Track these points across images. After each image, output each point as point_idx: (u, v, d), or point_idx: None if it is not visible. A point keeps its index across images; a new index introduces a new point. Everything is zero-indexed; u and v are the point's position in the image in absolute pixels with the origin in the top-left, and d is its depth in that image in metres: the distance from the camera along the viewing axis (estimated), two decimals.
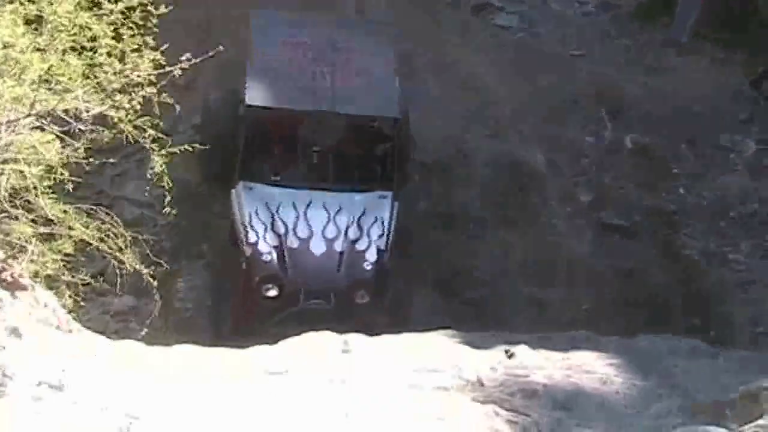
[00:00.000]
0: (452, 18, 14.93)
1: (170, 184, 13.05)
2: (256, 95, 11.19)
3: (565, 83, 14.52)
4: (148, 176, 10.10)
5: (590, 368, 8.30)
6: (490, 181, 13.54)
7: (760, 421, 6.71)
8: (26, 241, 8.76)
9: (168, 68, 8.12)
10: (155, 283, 9.99)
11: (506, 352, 8.55)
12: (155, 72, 8.33)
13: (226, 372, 7.56)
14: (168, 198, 12.21)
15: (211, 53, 8.42)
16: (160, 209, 12.85)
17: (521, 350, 8.52)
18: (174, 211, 12.95)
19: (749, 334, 11.75)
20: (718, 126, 14.23)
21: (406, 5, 14.99)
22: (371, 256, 10.92)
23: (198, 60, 8.14)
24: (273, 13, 12.47)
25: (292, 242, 10.86)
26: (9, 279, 7.73)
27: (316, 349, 8.54)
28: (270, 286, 10.72)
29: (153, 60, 8.46)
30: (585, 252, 13.20)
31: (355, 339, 8.75)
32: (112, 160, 11.98)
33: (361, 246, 10.93)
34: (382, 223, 11.04)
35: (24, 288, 7.76)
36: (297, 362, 7.98)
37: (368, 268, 10.87)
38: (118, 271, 10.10)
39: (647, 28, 15.17)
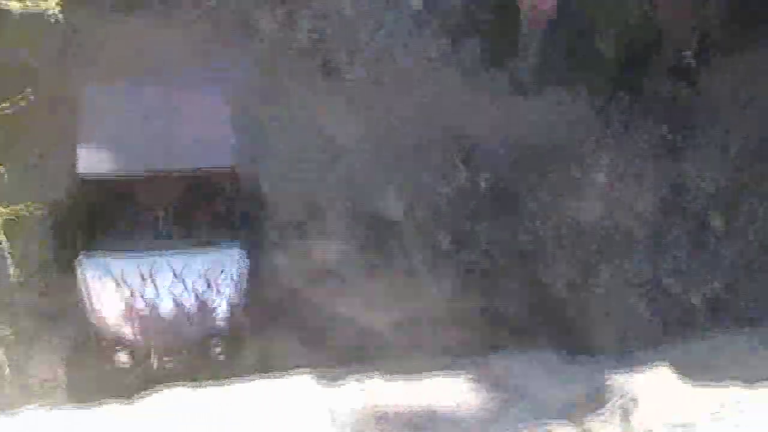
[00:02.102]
0: (301, 79, 14.91)
1: None
2: (87, 165, 11.02)
3: (417, 131, 14.59)
4: None
5: (444, 391, 8.21)
6: (346, 233, 13.46)
7: (602, 411, 6.70)
8: None
9: None
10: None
11: (359, 387, 8.43)
12: None
13: None
14: None
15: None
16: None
17: (374, 382, 8.41)
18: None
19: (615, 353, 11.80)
20: (567, 158, 14.42)
21: (253, 71, 15.00)
22: (221, 307, 10.76)
23: None
24: (103, 86, 12.40)
25: (139, 304, 10.65)
26: None
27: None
28: (120, 352, 10.46)
29: None
30: (448, 294, 13.18)
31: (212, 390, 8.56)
32: None
33: (210, 299, 10.76)
34: (230, 274, 10.90)
35: None
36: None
37: (219, 319, 10.70)
38: None
39: (491, 74, 15.35)
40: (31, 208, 10.15)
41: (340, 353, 11.51)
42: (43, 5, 7.69)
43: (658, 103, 14.62)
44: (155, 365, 10.35)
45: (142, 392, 8.74)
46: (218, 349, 10.59)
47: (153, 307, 10.58)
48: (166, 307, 10.65)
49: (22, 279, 12.25)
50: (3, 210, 8.48)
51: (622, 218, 14.12)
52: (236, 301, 10.77)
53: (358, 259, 13.25)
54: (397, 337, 12.13)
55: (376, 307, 12.74)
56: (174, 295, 10.66)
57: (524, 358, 9.15)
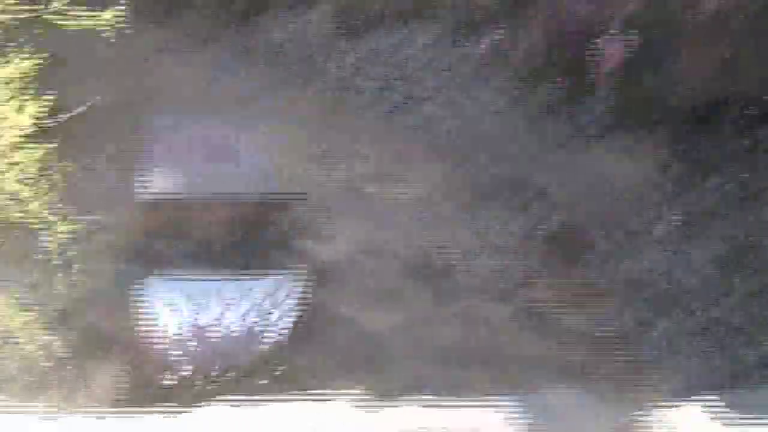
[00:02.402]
0: (365, 123, 15.22)
1: None
2: (144, 189, 11.37)
3: (481, 178, 14.79)
4: None
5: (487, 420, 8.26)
6: (403, 272, 13.68)
7: None
8: None
9: None
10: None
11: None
12: None
13: None
14: None
15: None
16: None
17: (413, 410, 8.41)
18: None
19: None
20: (629, 210, 14.49)
21: (315, 113, 15.30)
22: (272, 334, 11.06)
23: None
24: (164, 119, 12.87)
25: (194, 328, 10.94)
26: None
27: None
28: (180, 366, 10.82)
29: None
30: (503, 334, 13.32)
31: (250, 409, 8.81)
32: None
33: (267, 322, 11.08)
34: (282, 304, 11.22)
35: None
36: None
37: (274, 341, 10.97)
38: None
39: (559, 121, 15.51)
40: (93, 227, 10.53)
41: (387, 384, 11.67)
42: (101, 20, 8.10)
43: (725, 156, 14.59)
44: (206, 384, 10.63)
45: (189, 407, 9.04)
46: (273, 370, 10.81)
47: (207, 329, 10.92)
48: (219, 330, 10.96)
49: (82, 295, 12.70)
50: (64, 228, 8.86)
51: (682, 271, 14.10)
52: (290, 326, 11.01)
53: (414, 298, 13.39)
54: (443, 373, 12.24)
55: (424, 345, 12.89)
56: (227, 319, 10.99)
57: (570, 393, 9.23)
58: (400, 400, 9.63)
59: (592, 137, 15.14)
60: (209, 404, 8.98)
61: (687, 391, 11.77)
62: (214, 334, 11.17)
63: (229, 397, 9.37)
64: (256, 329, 11.28)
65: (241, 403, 8.89)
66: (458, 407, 8.97)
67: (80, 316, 12.59)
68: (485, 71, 15.45)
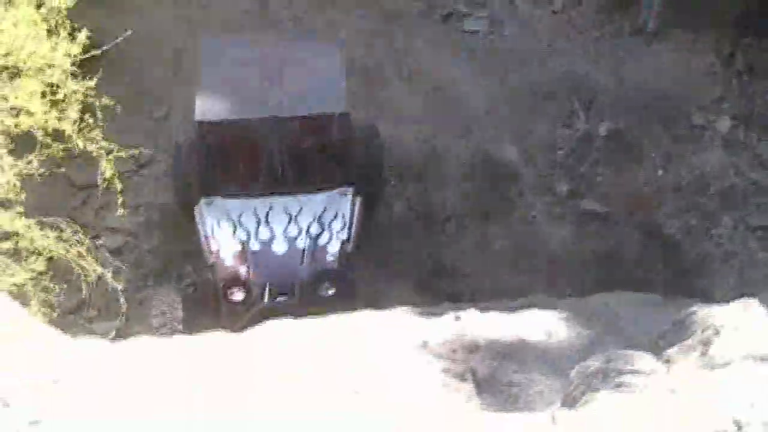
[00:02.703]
0: (421, 28, 15.12)
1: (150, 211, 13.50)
2: (204, 111, 11.41)
3: (536, 79, 14.66)
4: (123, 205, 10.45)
5: (536, 323, 8.40)
6: (465, 179, 13.66)
7: (684, 343, 6.79)
8: None
9: None
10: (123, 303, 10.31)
11: (455, 317, 8.68)
12: None
13: None
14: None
15: None
16: (142, 236, 13.29)
17: (469, 314, 8.64)
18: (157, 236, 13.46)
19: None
20: (690, 106, 14.28)
21: (375, 18, 15.29)
22: (333, 248, 11.11)
23: None
24: (221, 39, 12.86)
25: (254, 246, 11.09)
26: None
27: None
28: (235, 289, 10.91)
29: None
30: (565, 240, 13.26)
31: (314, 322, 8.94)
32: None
33: (322, 240, 11.12)
34: (343, 216, 11.25)
35: None
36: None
37: (331, 260, 11.03)
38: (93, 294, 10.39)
39: (614, 20, 15.28)
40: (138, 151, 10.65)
41: (449, 294, 11.73)
42: None
43: None
44: (267, 302, 10.71)
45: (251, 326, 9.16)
46: (329, 289, 10.84)
47: (268, 246, 10.96)
48: (280, 246, 11.00)
49: (141, 220, 12.92)
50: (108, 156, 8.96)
51: (746, 167, 13.89)
52: (349, 241, 11.03)
53: (475, 204, 13.39)
54: (506, 278, 12.27)
55: (490, 251, 12.91)
56: (288, 235, 11.01)
57: (623, 298, 9.23)
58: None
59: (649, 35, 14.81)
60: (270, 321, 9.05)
61: (752, 286, 11.65)
62: (277, 249, 11.17)
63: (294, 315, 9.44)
64: (321, 243, 11.24)
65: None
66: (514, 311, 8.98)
67: (143, 243, 12.85)
68: None
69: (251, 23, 14.51)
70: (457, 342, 8.03)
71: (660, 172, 13.94)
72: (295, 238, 11.15)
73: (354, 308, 10.81)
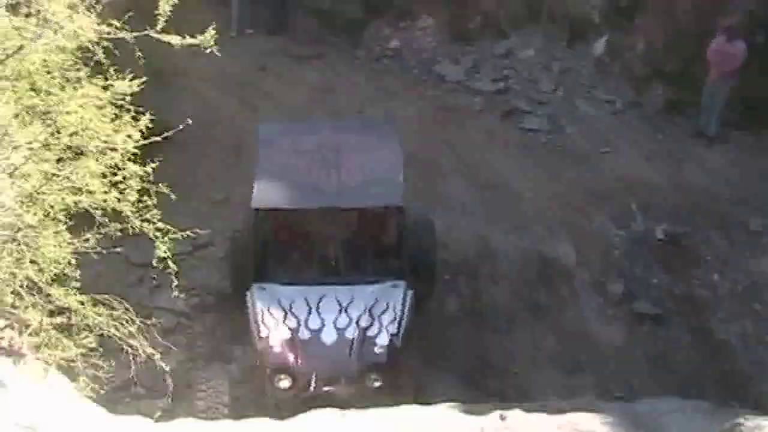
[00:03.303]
0: (481, 123, 15.27)
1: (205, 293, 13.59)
2: (261, 198, 11.54)
3: (594, 179, 14.70)
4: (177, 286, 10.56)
5: (582, 428, 8.30)
6: (517, 276, 13.63)
7: None
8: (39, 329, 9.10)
9: None
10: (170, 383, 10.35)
11: (500, 416, 8.61)
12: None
13: None
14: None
15: None
16: (195, 317, 13.39)
17: (514, 413, 8.56)
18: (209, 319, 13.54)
19: None
20: (748, 211, 14.21)
21: (435, 114, 15.47)
22: (382, 340, 11.04)
23: None
24: (278, 124, 13.05)
25: (304, 334, 11.07)
26: (6, 345, 8.06)
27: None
28: (282, 376, 10.88)
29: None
30: (616, 342, 13.14)
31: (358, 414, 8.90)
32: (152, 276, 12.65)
33: (372, 332, 11.08)
34: (394, 309, 11.20)
35: (21, 355, 8.04)
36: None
37: (379, 351, 10.97)
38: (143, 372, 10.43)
39: (675, 123, 15.33)
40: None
41: (496, 392, 11.63)
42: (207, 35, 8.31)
43: None
44: (314, 391, 10.69)
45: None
46: (376, 381, 10.80)
47: (317, 335, 10.97)
48: (330, 336, 11.00)
49: (195, 302, 13.02)
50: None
51: None
52: (398, 335, 11.00)
53: (527, 302, 13.33)
54: (556, 377, 12.15)
55: (539, 351, 12.81)
56: (338, 325, 11.02)
57: (672, 404, 9.09)
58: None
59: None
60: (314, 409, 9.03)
61: None
62: (326, 339, 11.16)
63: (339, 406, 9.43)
64: (370, 335, 11.21)
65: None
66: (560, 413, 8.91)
67: (195, 324, 12.93)
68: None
69: (312, 110, 14.73)
70: None
71: (716, 277, 13.80)
72: (345, 329, 11.12)
73: (400, 401, 10.77)
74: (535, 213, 14.22)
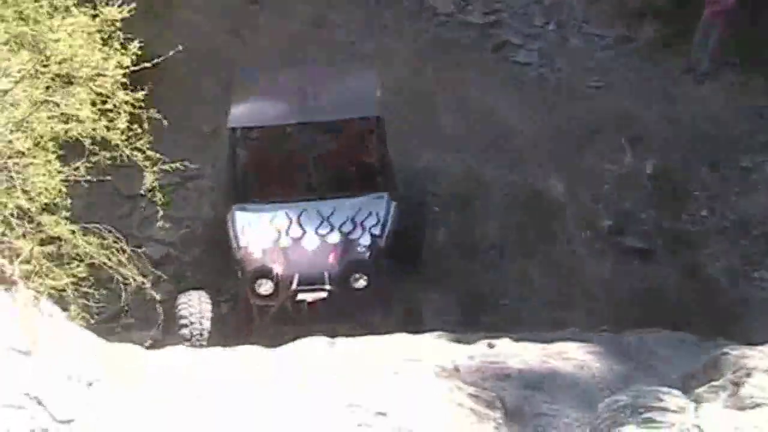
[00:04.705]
0: (472, 57, 15.20)
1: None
2: (236, 118, 11.51)
3: (585, 114, 14.67)
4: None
5: (569, 355, 8.39)
6: (509, 210, 13.66)
7: (715, 383, 6.76)
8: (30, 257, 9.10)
9: None
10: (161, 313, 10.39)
11: (488, 344, 8.69)
12: None
13: None
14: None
15: None
16: (184, 248, 13.41)
17: (503, 342, 8.65)
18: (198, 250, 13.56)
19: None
20: (738, 148, 14.22)
21: (426, 47, 15.39)
22: (365, 240, 10.91)
23: None
24: (257, 69, 13.00)
25: (285, 241, 10.94)
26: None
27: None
28: (263, 281, 10.68)
29: None
30: (605, 276, 13.20)
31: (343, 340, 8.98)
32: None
33: (354, 236, 10.98)
34: (377, 215, 11.10)
35: (13, 283, 8.05)
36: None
37: (362, 250, 10.83)
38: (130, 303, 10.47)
39: (666, 58, 15.27)
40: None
41: (486, 323, 11.71)
42: None
43: None
44: (296, 295, 10.53)
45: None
46: (360, 281, 10.65)
47: (298, 242, 10.81)
48: (311, 242, 10.86)
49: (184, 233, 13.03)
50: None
51: None
52: (381, 236, 10.91)
53: (517, 235, 13.37)
54: (545, 310, 12.23)
55: (528, 284, 12.89)
56: (319, 234, 10.88)
57: (659, 336, 9.19)
58: None
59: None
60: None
61: None
62: (308, 244, 11.06)
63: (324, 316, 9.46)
64: (352, 237, 11.10)
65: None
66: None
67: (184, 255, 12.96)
68: None
69: (303, 45, 14.64)
70: (488, 369, 8.04)
71: (704, 212, 13.84)
72: (327, 235, 11.01)
73: (388, 305, 10.68)
74: (525, 147, 14.23)
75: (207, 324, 10.62)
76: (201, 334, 10.65)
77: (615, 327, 11.90)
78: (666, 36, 15.43)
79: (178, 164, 9.62)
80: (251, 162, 11.58)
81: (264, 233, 10.98)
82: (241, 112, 11.41)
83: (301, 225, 11.03)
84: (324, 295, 10.59)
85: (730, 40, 14.92)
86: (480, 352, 8.44)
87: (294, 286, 10.57)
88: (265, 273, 10.67)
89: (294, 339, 9.42)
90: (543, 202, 13.77)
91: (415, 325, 10.63)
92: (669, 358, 8.49)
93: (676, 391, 6.68)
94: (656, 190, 14.02)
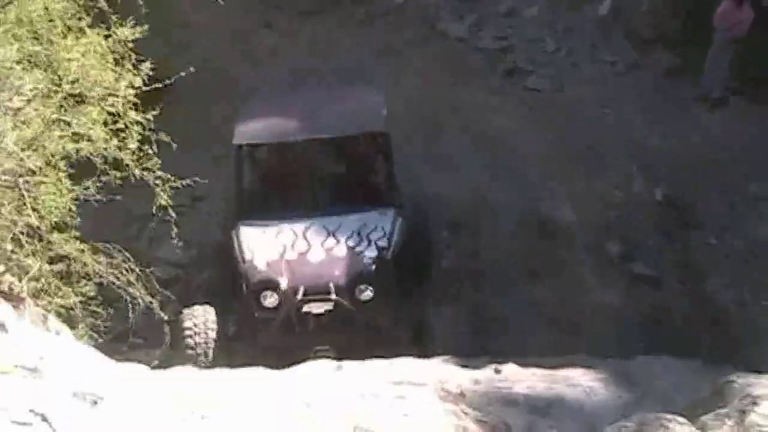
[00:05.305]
0: (482, 82, 15.25)
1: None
2: (241, 135, 11.51)
3: (595, 140, 14.70)
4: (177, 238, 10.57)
5: (575, 381, 8.38)
6: (516, 234, 13.66)
7: (721, 410, 6.75)
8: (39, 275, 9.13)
9: None
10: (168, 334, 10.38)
11: (495, 369, 8.68)
12: None
13: None
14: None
15: None
16: (193, 269, 13.42)
17: (509, 367, 8.63)
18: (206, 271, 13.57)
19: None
20: (748, 175, 14.22)
21: (437, 72, 15.45)
22: (371, 252, 10.81)
23: None
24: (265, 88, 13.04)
25: (290, 255, 10.84)
26: (6, 290, 8.08)
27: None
28: (268, 293, 10.60)
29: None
30: (613, 302, 13.18)
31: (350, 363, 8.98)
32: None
33: (361, 247, 10.90)
34: (383, 228, 11.03)
35: (21, 300, 8.08)
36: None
37: (368, 262, 10.73)
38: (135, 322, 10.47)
39: (677, 86, 15.31)
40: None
41: (492, 349, 11.67)
42: None
43: None
44: (302, 307, 10.45)
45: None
46: (366, 292, 10.55)
47: (304, 256, 10.72)
48: (317, 256, 10.76)
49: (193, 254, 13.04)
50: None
51: None
52: (388, 248, 10.81)
53: (525, 261, 13.37)
54: (552, 335, 12.20)
55: (536, 310, 12.87)
56: (325, 247, 10.78)
57: (666, 362, 9.17)
58: None
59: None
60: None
61: None
62: (313, 257, 10.98)
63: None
64: (357, 249, 11.00)
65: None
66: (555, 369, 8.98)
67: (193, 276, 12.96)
68: None
69: (314, 68, 14.71)
70: (494, 394, 8.03)
71: (713, 240, 13.83)
72: (333, 248, 10.92)
73: (395, 317, 10.62)
74: (535, 172, 14.23)
75: (212, 335, 10.58)
76: (206, 343, 10.59)
77: (622, 353, 11.90)
78: (677, 64, 15.48)
79: (188, 181, 9.67)
80: (257, 179, 11.62)
81: (269, 247, 10.90)
82: (246, 129, 11.45)
83: (306, 239, 10.97)
84: (329, 306, 10.52)
85: (740, 68, 14.92)
86: (486, 377, 8.42)
87: (299, 297, 10.48)
88: (270, 285, 10.60)
89: (298, 351, 9.42)
90: (552, 227, 13.74)
91: (422, 340, 10.62)
92: (676, 385, 8.46)
93: (681, 418, 6.65)
94: (665, 217, 13.99)
